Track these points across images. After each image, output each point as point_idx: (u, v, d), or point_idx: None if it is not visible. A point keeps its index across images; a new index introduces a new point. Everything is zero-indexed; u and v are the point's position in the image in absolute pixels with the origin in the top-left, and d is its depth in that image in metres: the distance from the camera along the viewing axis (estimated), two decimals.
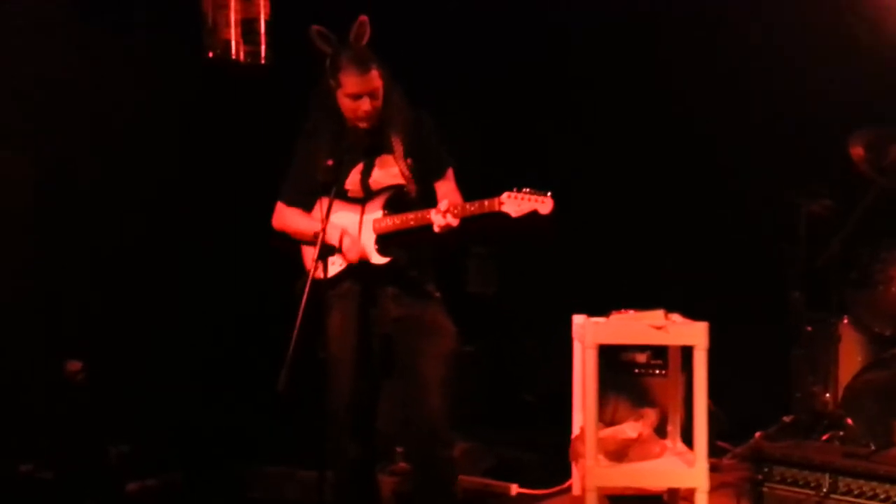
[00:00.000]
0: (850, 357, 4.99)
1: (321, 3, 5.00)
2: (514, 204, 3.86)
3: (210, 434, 5.18)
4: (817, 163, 5.30)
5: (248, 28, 5.40)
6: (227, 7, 5.38)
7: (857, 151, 4.97)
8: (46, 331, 4.87)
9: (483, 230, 4.07)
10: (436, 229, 3.96)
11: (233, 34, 5.38)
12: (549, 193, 3.85)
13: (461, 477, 4.51)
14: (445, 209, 3.93)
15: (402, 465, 4.83)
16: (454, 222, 3.93)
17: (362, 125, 4.07)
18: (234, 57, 5.38)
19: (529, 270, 6.03)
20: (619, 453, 3.94)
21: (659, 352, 4.91)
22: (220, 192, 5.42)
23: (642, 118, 5.77)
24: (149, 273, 5.24)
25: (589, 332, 3.83)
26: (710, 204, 5.59)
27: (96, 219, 5.06)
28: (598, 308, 4.20)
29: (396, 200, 4.09)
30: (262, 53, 5.38)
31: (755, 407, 5.24)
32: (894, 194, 4.97)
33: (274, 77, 5.46)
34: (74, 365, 4.93)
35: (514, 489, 4.72)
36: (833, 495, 3.50)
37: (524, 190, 3.87)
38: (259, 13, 5.39)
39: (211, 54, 5.35)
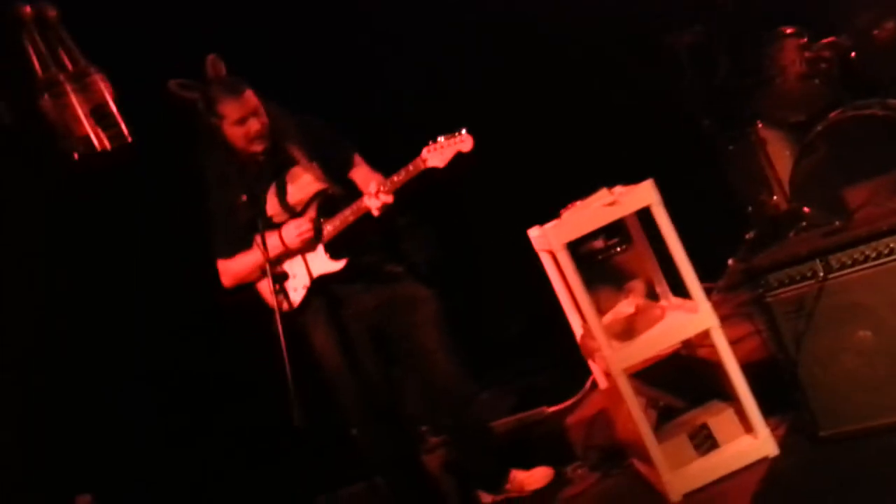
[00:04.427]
0: (780, 154, 5.10)
1: (163, 65, 4.90)
2: (438, 155, 3.84)
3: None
4: None
5: (100, 115, 5.28)
6: (69, 105, 5.25)
7: None
8: None
9: (409, 195, 4.05)
10: (374, 213, 3.95)
11: (87, 127, 5.26)
12: (463, 130, 3.87)
13: (494, 423, 4.58)
14: (376, 190, 3.93)
15: (434, 440, 4.84)
16: (389, 199, 3.92)
17: (258, 147, 4.05)
18: (99, 149, 5.26)
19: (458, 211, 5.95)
20: (628, 331, 3.99)
21: (610, 232, 4.98)
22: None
23: None
24: None
25: (552, 236, 3.84)
26: (594, 71, 5.54)
27: None
28: (540, 218, 4.16)
29: (325, 205, 4.09)
30: (125, 131, 5.27)
31: (715, 246, 5.26)
32: None
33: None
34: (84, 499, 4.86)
35: (547, 410, 4.79)
36: (831, 275, 3.59)
37: (439, 139, 3.87)
38: (103, 97, 5.28)
39: (77, 156, 5.23)
